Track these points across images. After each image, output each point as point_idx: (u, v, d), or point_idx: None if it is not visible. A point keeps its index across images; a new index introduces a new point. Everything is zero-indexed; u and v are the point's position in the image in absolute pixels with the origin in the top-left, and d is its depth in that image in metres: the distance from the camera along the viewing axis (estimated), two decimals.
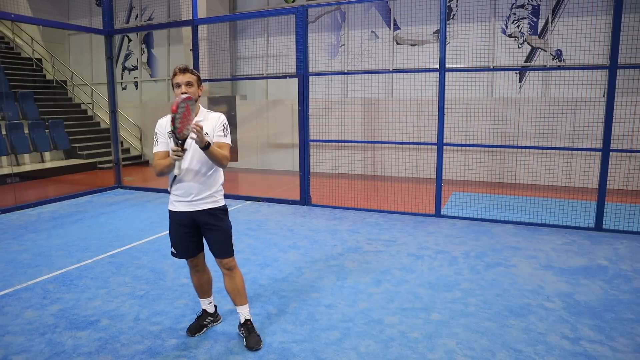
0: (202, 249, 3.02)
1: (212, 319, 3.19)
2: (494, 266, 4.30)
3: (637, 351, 2.84)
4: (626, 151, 5.96)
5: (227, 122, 2.89)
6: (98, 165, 11.00)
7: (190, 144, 2.71)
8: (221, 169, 2.91)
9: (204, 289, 3.14)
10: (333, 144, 8.81)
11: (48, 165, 10.30)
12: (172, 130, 2.49)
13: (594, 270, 4.17)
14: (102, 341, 2.99)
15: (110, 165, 9.23)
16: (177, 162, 2.59)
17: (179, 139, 2.52)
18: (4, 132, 9.75)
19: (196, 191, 2.81)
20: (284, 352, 2.84)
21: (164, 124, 2.83)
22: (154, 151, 2.85)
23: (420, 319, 3.27)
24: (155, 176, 2.84)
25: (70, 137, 11.24)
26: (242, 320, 2.99)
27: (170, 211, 2.93)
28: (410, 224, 5.81)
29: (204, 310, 3.18)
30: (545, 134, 7.82)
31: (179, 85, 2.74)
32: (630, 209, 6.10)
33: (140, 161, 12.16)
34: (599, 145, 5.48)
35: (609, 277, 4.02)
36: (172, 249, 3.00)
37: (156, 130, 2.86)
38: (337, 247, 4.92)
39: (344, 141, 7.78)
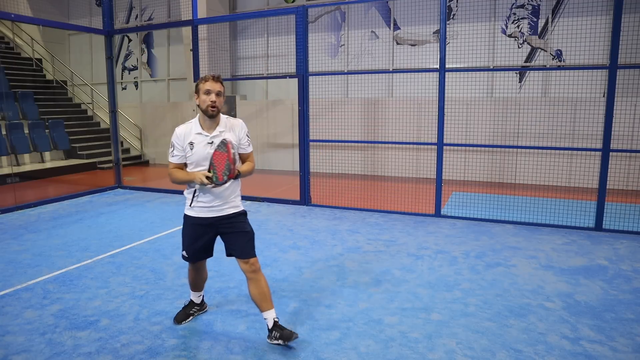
0: (211, 255, 3.06)
1: (198, 308, 3.32)
2: (494, 266, 4.30)
3: (637, 351, 2.84)
4: (626, 151, 5.96)
5: (247, 129, 2.97)
6: (98, 165, 11.00)
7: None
8: None
9: (197, 284, 3.24)
10: (333, 144, 8.81)
11: (48, 165, 10.30)
12: (213, 180, 2.67)
13: (594, 270, 4.17)
14: (102, 341, 2.99)
15: (110, 165, 9.23)
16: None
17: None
18: (4, 132, 9.75)
19: (222, 199, 2.84)
20: (284, 352, 2.84)
21: (181, 135, 2.81)
22: (170, 160, 2.88)
23: (420, 319, 3.26)
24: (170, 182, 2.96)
25: (70, 137, 11.24)
26: (271, 324, 2.88)
27: (188, 216, 2.93)
28: (410, 224, 5.81)
29: (191, 301, 3.30)
30: (545, 134, 7.82)
31: (209, 92, 2.71)
32: (630, 209, 6.10)
33: (140, 161, 12.16)
34: (599, 145, 5.48)
35: (609, 277, 4.02)
36: (184, 253, 3.02)
37: (173, 140, 2.85)
38: (337, 247, 4.92)
39: (344, 141, 7.78)
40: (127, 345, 2.95)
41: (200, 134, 2.79)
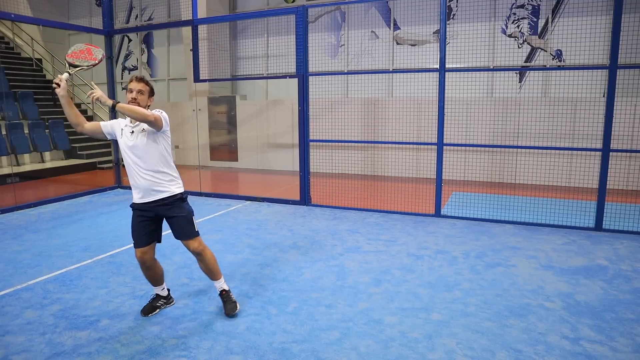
0: (154, 241, 3.24)
1: (164, 301, 3.46)
2: (494, 266, 4.30)
3: (637, 351, 2.84)
4: (626, 151, 5.95)
5: (162, 115, 3.09)
6: (98, 165, 11.00)
7: (131, 146, 3.08)
8: (164, 162, 3.12)
9: (154, 280, 3.38)
10: (333, 144, 8.81)
11: (48, 165, 10.30)
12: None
13: (594, 270, 4.17)
14: (102, 341, 2.99)
15: (110, 165, 9.23)
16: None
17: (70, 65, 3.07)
18: (4, 132, 9.74)
19: (144, 187, 3.08)
20: (284, 352, 2.84)
21: (118, 120, 3.23)
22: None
23: (420, 319, 3.27)
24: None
25: (70, 137, 11.24)
26: (218, 293, 3.37)
27: (132, 203, 3.22)
28: (410, 224, 5.81)
29: (157, 295, 3.44)
30: (545, 134, 7.82)
31: (131, 91, 3.08)
32: (630, 209, 6.10)
33: None
34: (599, 145, 5.48)
35: (609, 277, 4.02)
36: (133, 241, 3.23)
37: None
38: (337, 247, 4.92)
39: (344, 141, 7.78)
40: (127, 345, 2.95)
41: (127, 125, 3.14)
